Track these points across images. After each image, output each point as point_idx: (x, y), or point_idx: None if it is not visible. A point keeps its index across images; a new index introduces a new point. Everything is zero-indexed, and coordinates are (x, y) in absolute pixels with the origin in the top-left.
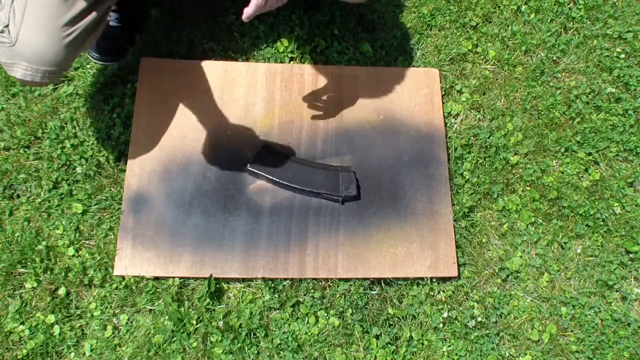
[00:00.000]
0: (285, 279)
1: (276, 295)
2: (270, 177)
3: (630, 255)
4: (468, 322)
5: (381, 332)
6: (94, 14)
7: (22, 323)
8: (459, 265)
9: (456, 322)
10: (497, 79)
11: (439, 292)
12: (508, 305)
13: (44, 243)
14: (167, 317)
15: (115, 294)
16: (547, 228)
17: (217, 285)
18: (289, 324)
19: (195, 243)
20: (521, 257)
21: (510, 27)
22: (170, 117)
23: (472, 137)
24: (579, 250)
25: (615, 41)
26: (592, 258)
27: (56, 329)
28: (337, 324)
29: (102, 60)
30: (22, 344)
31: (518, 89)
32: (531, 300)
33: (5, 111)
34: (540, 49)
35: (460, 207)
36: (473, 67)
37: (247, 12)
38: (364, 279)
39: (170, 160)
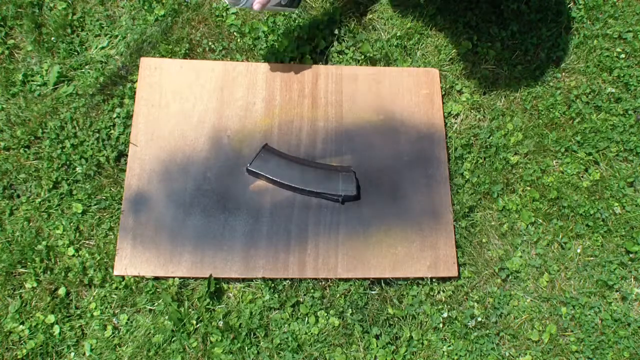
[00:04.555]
0: (285, 279)
1: (276, 295)
2: (270, 177)
3: (630, 255)
4: (468, 322)
5: (381, 332)
6: None
7: (22, 323)
8: (459, 265)
9: (456, 322)
10: (497, 79)
11: (439, 292)
12: (508, 305)
13: (44, 243)
14: (167, 317)
15: (115, 294)
16: (547, 228)
17: (217, 285)
18: (289, 324)
19: (195, 243)
20: (521, 257)
21: (510, 27)
22: (170, 117)
23: (472, 137)
24: (579, 250)
25: (615, 41)
26: (592, 258)
27: (56, 329)
28: (337, 324)
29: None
30: (22, 344)
31: (518, 89)
32: (531, 300)
33: (5, 111)
34: (540, 49)
35: (460, 207)
36: (473, 67)
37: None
38: (364, 279)
39: (170, 160)
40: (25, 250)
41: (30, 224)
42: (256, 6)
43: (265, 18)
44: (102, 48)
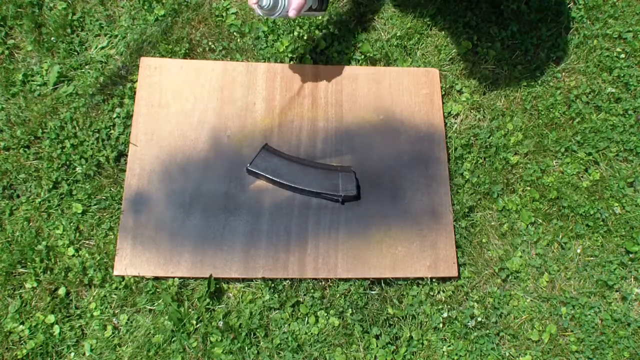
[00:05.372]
0: (285, 279)
1: (276, 295)
2: (270, 177)
3: (630, 255)
4: (468, 322)
5: (381, 332)
6: None
7: (22, 323)
8: (459, 265)
9: (456, 322)
10: (497, 79)
11: (439, 292)
12: (508, 305)
13: (44, 243)
14: (167, 317)
15: (115, 294)
16: (547, 228)
17: (217, 285)
18: (289, 324)
19: (195, 243)
20: (521, 257)
21: (510, 27)
22: (170, 117)
23: (472, 137)
24: (579, 250)
25: (615, 41)
26: (592, 258)
27: (56, 329)
28: (337, 324)
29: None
30: (22, 344)
31: (518, 89)
32: (531, 300)
33: (5, 111)
34: (540, 49)
35: (460, 207)
36: (473, 67)
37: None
38: (364, 279)
39: (170, 160)
40: (25, 250)
41: (30, 224)
42: (291, 13)
43: (265, 18)
44: (102, 48)
